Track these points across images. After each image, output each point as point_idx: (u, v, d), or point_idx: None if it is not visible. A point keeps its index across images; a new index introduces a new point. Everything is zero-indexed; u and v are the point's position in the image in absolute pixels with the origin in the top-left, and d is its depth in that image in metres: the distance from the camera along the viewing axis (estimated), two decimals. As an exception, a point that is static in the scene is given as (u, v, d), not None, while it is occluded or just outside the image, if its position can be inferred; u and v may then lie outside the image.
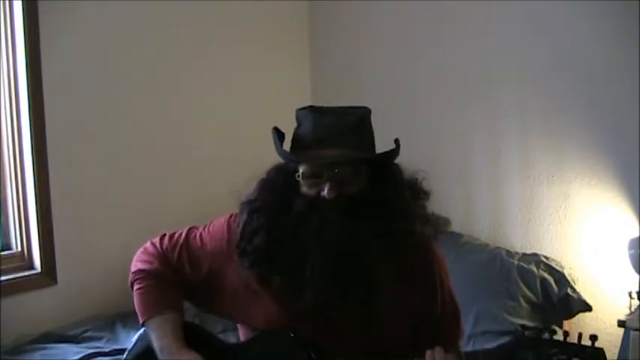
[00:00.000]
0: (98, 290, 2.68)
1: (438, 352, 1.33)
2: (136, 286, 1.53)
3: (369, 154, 1.40)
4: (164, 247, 1.55)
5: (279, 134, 1.44)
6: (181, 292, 1.53)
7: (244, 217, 1.43)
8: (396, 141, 1.42)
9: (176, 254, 1.53)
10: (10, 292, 2.42)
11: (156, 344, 1.44)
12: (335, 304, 1.36)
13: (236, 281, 1.46)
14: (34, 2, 2.44)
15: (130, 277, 1.56)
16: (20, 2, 2.43)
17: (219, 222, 1.55)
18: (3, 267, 2.45)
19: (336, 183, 1.34)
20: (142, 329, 1.51)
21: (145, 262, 1.54)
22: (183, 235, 1.56)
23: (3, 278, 2.42)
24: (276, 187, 1.41)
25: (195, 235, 1.55)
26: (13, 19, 2.45)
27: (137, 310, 1.51)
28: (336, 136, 1.36)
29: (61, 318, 2.55)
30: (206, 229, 1.56)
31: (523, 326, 1.39)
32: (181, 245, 1.54)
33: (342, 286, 1.34)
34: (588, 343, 1.29)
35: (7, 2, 2.45)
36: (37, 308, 2.52)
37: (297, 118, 1.45)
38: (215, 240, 1.51)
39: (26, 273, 2.54)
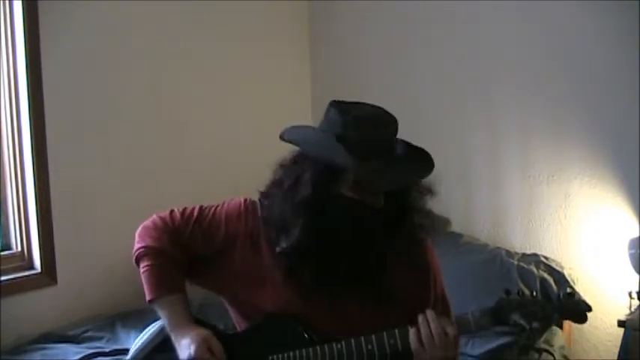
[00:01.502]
0: (98, 290, 2.69)
1: (430, 314, 1.41)
2: (144, 262, 1.54)
3: (426, 172, 1.51)
4: (175, 222, 1.56)
5: (340, 137, 1.43)
6: (186, 272, 1.56)
7: (280, 207, 1.46)
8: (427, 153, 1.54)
9: (189, 229, 1.55)
10: (10, 292, 2.42)
11: (166, 324, 1.49)
12: (337, 281, 1.44)
13: (247, 260, 1.51)
14: (34, 2, 2.44)
15: (137, 252, 1.56)
16: (20, 2, 2.43)
17: (235, 202, 1.58)
18: (3, 267, 2.45)
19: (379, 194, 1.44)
20: (157, 325, 1.55)
21: (154, 238, 1.55)
22: (196, 210, 1.58)
23: (3, 278, 2.42)
24: (314, 185, 1.42)
25: (209, 212, 1.57)
26: (13, 19, 2.45)
27: (145, 287, 1.53)
28: (387, 148, 1.46)
29: (61, 318, 2.55)
30: (219, 207, 1.58)
31: (507, 291, 1.46)
32: (195, 220, 1.56)
33: (344, 264, 1.43)
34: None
35: (7, 2, 2.45)
36: (37, 308, 2.52)
37: (344, 123, 1.43)
38: (230, 218, 1.55)
39: (26, 273, 2.55)
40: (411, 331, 1.40)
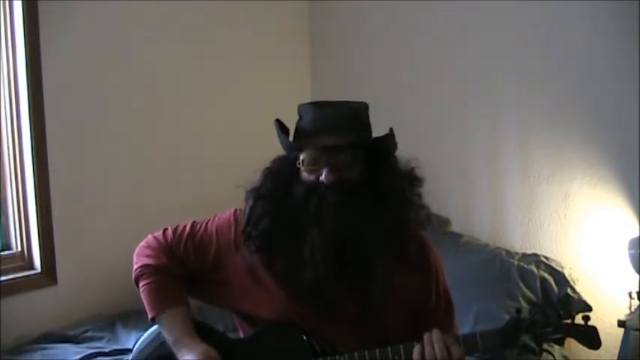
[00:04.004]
0: (98, 290, 2.69)
1: (436, 333, 1.39)
2: (142, 282, 1.55)
3: (362, 140, 1.47)
4: (169, 240, 1.58)
5: (281, 126, 1.52)
6: (187, 286, 1.56)
7: (250, 203, 1.50)
8: (390, 130, 1.49)
9: (182, 245, 1.57)
10: (10, 292, 2.42)
11: (168, 338, 1.49)
12: (333, 283, 1.42)
13: (242, 271, 1.51)
14: (34, 2, 2.44)
15: (135, 273, 1.57)
16: (20, 2, 2.43)
17: (225, 214, 1.60)
18: (3, 267, 2.45)
19: (334, 168, 1.41)
20: (154, 327, 1.55)
21: (150, 256, 1.56)
22: (188, 226, 1.60)
23: (3, 278, 2.43)
24: (279, 176, 1.48)
25: (201, 226, 1.60)
26: (13, 19, 2.45)
27: (146, 305, 1.53)
28: (334, 125, 1.45)
29: (61, 318, 2.55)
30: (211, 221, 1.60)
31: (518, 310, 1.43)
32: (187, 235, 1.58)
33: (338, 265, 1.41)
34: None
35: (7, 2, 2.45)
36: (37, 308, 2.52)
37: (299, 112, 1.52)
38: (222, 230, 1.57)
39: (26, 273, 2.55)
40: (416, 348, 1.38)
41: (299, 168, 1.45)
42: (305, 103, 1.52)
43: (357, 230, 1.41)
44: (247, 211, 1.50)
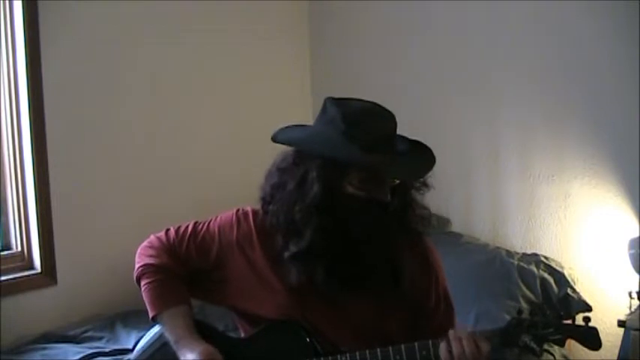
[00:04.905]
0: (98, 290, 2.69)
1: (461, 329, 1.40)
2: (144, 281, 1.55)
3: (432, 163, 1.52)
4: (171, 240, 1.58)
5: (352, 137, 1.41)
6: (189, 285, 1.56)
7: (295, 213, 1.42)
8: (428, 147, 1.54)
9: (184, 245, 1.56)
10: (10, 292, 2.42)
11: (170, 337, 1.49)
12: (339, 285, 1.43)
13: (244, 270, 1.51)
14: (34, 2, 2.44)
15: (137, 272, 1.57)
16: (20, 2, 2.43)
17: (228, 214, 1.59)
18: (3, 267, 2.45)
19: (388, 188, 1.42)
20: (155, 328, 1.55)
21: (152, 256, 1.56)
22: (190, 226, 1.60)
23: (3, 278, 2.42)
24: (322, 184, 1.40)
25: (203, 226, 1.59)
26: (13, 19, 2.45)
27: (147, 304, 1.53)
28: (390, 142, 1.46)
29: (61, 318, 2.55)
30: (213, 220, 1.60)
31: (519, 310, 1.44)
32: (189, 235, 1.57)
33: (347, 269, 1.41)
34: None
35: (7, 2, 2.45)
36: (37, 308, 2.52)
37: (345, 118, 1.42)
38: (224, 229, 1.56)
39: (26, 273, 2.55)
40: (442, 345, 1.37)
41: (344, 181, 1.40)
42: (345, 106, 1.44)
43: (384, 244, 1.43)
44: (283, 217, 1.44)
